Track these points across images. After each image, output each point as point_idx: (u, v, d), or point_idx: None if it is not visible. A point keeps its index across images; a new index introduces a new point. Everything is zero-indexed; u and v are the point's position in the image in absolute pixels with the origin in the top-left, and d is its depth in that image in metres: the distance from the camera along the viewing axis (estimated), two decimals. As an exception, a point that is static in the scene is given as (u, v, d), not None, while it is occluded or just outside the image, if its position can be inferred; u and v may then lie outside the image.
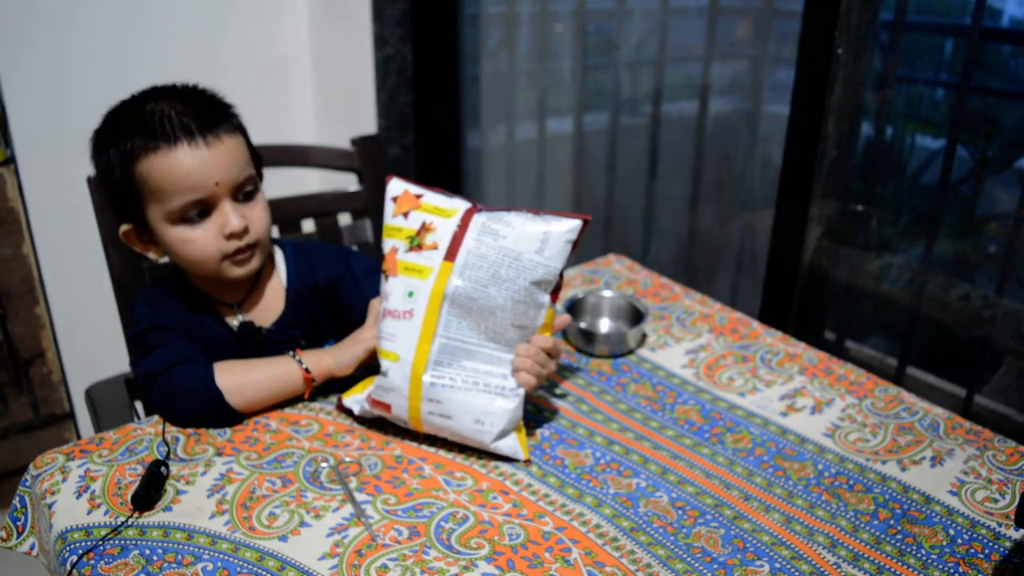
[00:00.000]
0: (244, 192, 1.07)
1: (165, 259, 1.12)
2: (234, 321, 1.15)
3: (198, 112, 1.03)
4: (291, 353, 1.07)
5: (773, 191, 1.50)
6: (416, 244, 1.00)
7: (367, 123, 2.19)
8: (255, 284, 1.16)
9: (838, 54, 1.36)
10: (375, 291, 1.11)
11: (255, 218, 1.07)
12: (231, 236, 1.04)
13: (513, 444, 0.99)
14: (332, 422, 1.06)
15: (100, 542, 0.85)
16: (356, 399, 1.05)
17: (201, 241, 1.04)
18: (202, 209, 1.04)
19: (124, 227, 1.08)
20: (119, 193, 1.05)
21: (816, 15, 1.35)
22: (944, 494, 0.95)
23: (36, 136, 1.89)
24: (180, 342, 1.06)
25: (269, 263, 1.18)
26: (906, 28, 1.40)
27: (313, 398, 1.10)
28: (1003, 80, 1.37)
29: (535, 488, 0.96)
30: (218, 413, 1.03)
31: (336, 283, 1.20)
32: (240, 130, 1.08)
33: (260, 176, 1.13)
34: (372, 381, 1.03)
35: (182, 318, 1.10)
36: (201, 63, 2.06)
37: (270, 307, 1.17)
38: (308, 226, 1.45)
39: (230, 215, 1.04)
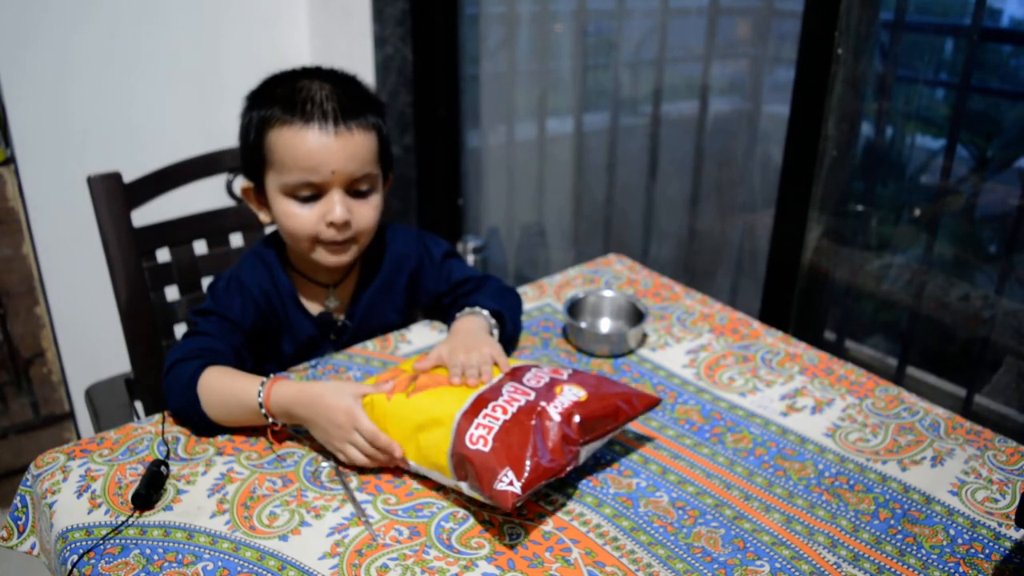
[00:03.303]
0: (358, 188, 1.10)
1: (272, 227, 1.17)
2: (316, 309, 1.19)
3: (342, 99, 1.07)
4: (269, 375, 1.01)
5: (773, 191, 1.50)
6: None
7: (367, 123, 2.18)
8: (350, 270, 1.21)
9: (838, 54, 1.36)
10: (453, 274, 1.23)
11: (361, 215, 1.10)
12: (331, 225, 1.08)
13: None
14: (332, 422, 1.05)
15: (101, 541, 0.85)
16: None
17: (302, 219, 1.08)
18: (314, 192, 1.08)
19: (245, 184, 1.14)
20: (249, 153, 1.11)
21: (816, 15, 1.35)
22: (944, 494, 0.95)
23: (36, 136, 1.89)
24: (224, 335, 1.07)
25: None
26: (906, 28, 1.40)
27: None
28: (1003, 80, 1.37)
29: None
30: (194, 419, 1.01)
31: (416, 270, 1.25)
32: (377, 129, 1.11)
33: (387, 179, 1.16)
34: None
35: (260, 305, 1.12)
36: (201, 63, 2.06)
37: (353, 294, 1.22)
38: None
39: (336, 205, 1.07)
